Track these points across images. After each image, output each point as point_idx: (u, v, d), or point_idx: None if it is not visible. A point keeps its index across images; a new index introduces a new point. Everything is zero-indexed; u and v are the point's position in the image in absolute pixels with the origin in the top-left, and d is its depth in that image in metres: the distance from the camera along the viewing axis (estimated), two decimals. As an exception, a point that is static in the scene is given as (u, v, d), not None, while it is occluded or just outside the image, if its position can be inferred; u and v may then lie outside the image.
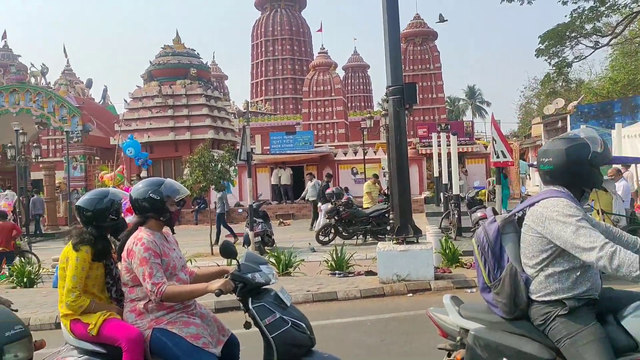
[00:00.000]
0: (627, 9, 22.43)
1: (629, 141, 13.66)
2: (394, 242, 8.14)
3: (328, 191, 14.98)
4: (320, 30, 43.52)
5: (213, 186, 13.34)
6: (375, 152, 24.14)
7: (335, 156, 24.64)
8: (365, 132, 25.23)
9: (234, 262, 3.20)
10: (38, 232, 21.82)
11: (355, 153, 24.65)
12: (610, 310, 2.60)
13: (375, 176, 17.21)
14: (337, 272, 9.07)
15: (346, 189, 16.73)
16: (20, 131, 21.63)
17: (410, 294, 7.54)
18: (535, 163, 2.85)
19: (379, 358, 5.05)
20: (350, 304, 7.29)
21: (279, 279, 4.47)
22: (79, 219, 3.41)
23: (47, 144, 33.28)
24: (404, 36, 31.14)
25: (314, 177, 19.41)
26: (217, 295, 2.89)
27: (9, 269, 10.37)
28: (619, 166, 10.16)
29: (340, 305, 7.29)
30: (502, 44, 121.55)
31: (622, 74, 28.16)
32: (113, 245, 3.39)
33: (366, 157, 23.19)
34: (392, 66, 8.11)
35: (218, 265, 4.18)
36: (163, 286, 2.93)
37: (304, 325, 2.99)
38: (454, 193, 13.74)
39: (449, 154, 16.15)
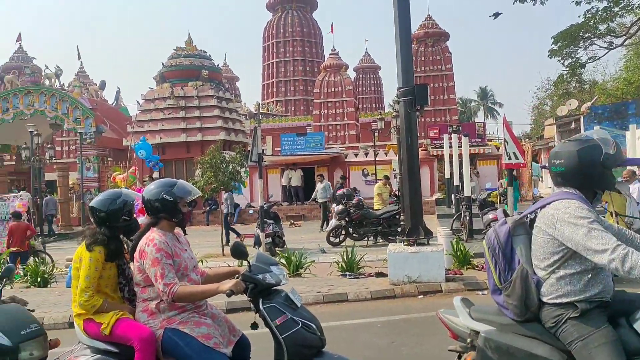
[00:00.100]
0: (642, 9, 22.20)
1: (644, 142, 13.48)
2: (405, 243, 8.11)
3: (338, 192, 14.97)
4: (331, 31, 43.58)
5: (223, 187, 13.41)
6: (386, 154, 24.10)
7: (346, 157, 24.62)
8: (376, 134, 25.20)
9: (244, 262, 3.22)
10: (50, 232, 22.04)
11: (366, 154, 24.62)
12: (623, 313, 2.58)
13: (386, 177, 17.20)
14: (347, 273, 9.06)
15: (355, 189, 16.71)
16: (35, 132, 21.93)
17: (421, 296, 7.52)
18: (547, 165, 2.82)
19: (389, 360, 5.04)
20: (360, 306, 7.28)
21: (289, 280, 4.48)
22: (92, 220, 3.44)
23: (61, 145, 33.70)
24: (416, 37, 31.08)
25: (325, 179, 19.44)
26: (228, 295, 2.91)
27: (23, 268, 10.47)
28: (634, 168, 10.04)
29: (351, 306, 7.28)
30: (514, 45, 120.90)
31: (637, 75, 27.81)
32: (126, 246, 3.42)
33: (377, 159, 23.17)
34: (403, 67, 8.09)
35: (229, 266, 4.20)
36: (175, 287, 2.96)
37: (314, 326, 3.00)
38: (465, 195, 13.70)
39: (460, 156, 16.11)
